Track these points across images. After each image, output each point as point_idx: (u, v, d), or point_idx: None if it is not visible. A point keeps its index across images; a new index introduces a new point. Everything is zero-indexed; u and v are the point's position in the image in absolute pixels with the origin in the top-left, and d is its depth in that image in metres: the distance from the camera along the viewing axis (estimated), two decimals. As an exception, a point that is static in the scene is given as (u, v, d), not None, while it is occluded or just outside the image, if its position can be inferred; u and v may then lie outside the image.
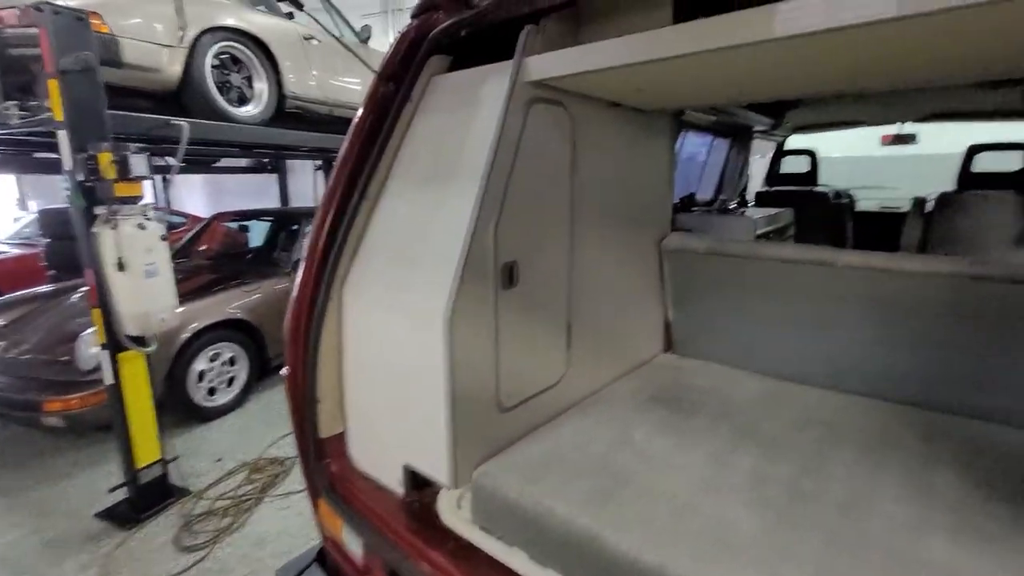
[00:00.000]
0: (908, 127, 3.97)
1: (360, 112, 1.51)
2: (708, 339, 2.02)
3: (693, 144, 3.71)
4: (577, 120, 1.51)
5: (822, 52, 1.03)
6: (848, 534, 1.02)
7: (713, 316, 1.97)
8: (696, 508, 1.11)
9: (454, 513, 1.31)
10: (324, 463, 1.55)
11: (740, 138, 3.88)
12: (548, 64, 1.25)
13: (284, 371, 1.53)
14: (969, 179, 3.44)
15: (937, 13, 0.78)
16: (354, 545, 1.43)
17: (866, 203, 4.35)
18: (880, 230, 3.89)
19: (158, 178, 7.78)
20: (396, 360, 1.37)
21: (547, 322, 1.54)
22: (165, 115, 3.29)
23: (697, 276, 1.98)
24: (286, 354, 1.52)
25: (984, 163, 3.42)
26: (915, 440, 1.38)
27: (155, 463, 2.85)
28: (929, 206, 3.42)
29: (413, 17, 1.50)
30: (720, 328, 1.97)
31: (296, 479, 3.14)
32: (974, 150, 3.45)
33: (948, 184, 3.56)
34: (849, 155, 5.12)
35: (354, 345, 1.51)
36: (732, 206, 3.96)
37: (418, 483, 1.40)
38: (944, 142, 4.08)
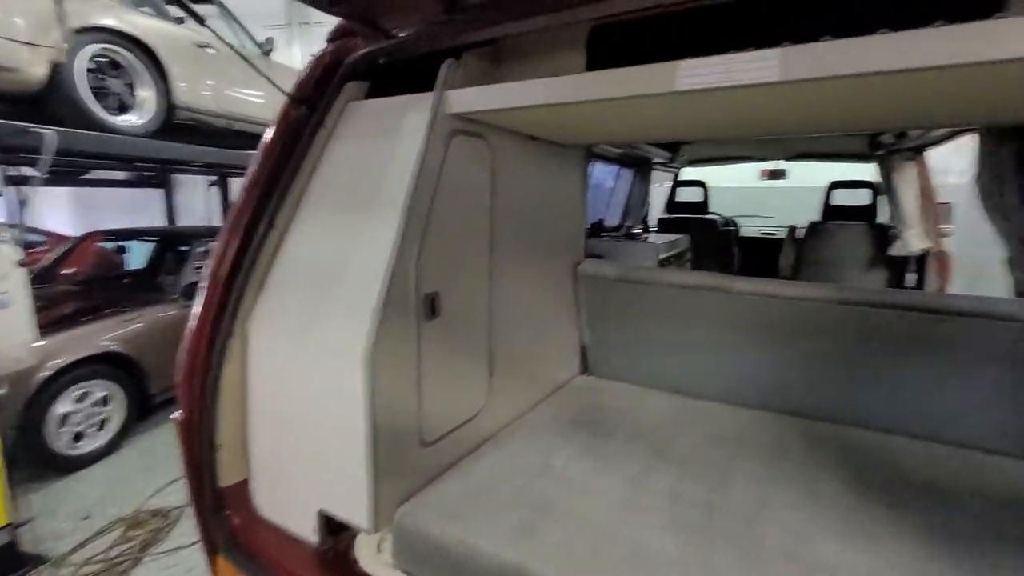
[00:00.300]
0: (780, 164, 4.53)
1: (270, 134, 1.42)
2: (621, 360, 2.11)
3: (600, 173, 3.93)
4: (496, 152, 1.54)
5: (717, 104, 1.14)
6: (754, 545, 1.10)
7: (624, 338, 2.08)
8: (616, 533, 1.14)
9: (374, 558, 1.24)
10: (224, 515, 1.40)
11: (642, 169, 4.18)
12: (470, 98, 1.27)
13: (177, 415, 1.37)
14: (830, 211, 3.98)
15: (809, 80, 0.90)
16: (261, 604, 1.30)
17: (748, 230, 4.86)
18: (761, 253, 4.37)
19: (12, 190, 6.74)
20: (309, 398, 1.28)
21: (469, 352, 1.53)
22: (25, 121, 2.88)
23: (609, 301, 2.08)
24: (179, 395, 1.36)
25: (841, 198, 3.97)
26: (803, 448, 1.53)
27: (1, 529, 2.40)
28: (800, 233, 3.91)
29: (329, 41, 1.45)
30: (631, 350, 2.07)
31: (185, 531, 2.79)
32: (833, 185, 4.00)
33: (813, 213, 4.09)
34: (734, 186, 5.71)
35: (261, 384, 1.39)
36: (637, 231, 4.23)
37: (333, 528, 1.31)
38: (809, 177, 4.71)
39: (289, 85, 1.46)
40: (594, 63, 1.29)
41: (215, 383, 1.35)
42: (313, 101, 1.43)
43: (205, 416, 1.35)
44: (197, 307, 1.37)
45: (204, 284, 1.36)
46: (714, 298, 1.81)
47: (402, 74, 1.44)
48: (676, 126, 1.49)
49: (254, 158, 1.41)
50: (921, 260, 3.32)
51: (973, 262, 3.16)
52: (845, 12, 1.00)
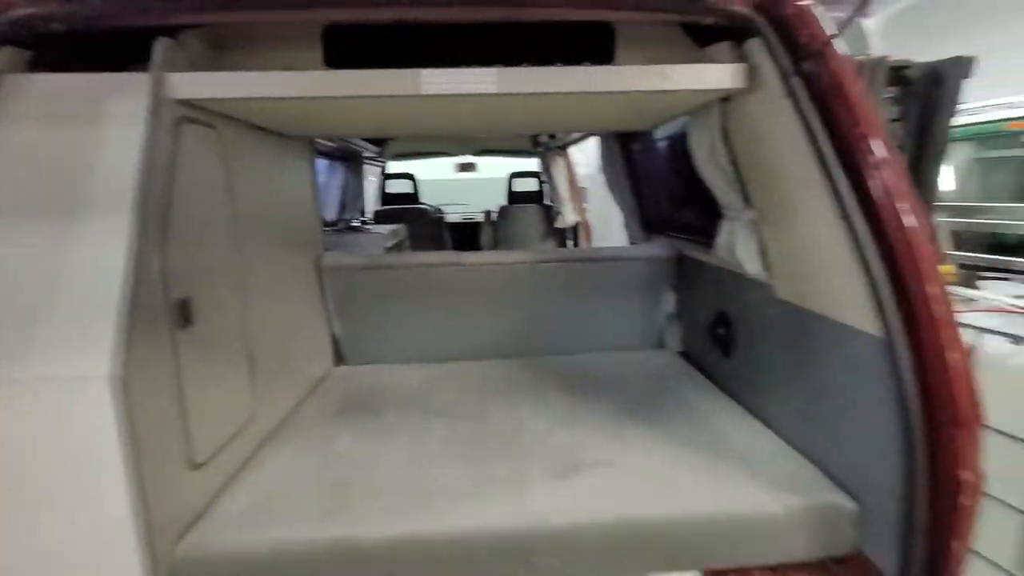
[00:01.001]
0: (470, 158, 5.29)
1: None
2: (374, 345, 2.24)
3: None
4: (228, 143, 1.44)
5: (445, 105, 1.39)
6: (517, 450, 1.44)
7: (375, 323, 2.21)
8: (414, 482, 1.31)
9: None
10: None
11: (354, 163, 4.26)
12: (203, 84, 1.18)
13: None
14: (513, 196, 4.91)
15: (515, 94, 1.22)
16: None
17: (453, 216, 5.52)
18: (465, 235, 5.05)
19: None
20: (16, 458, 1.00)
21: (229, 358, 1.42)
22: None
23: (356, 289, 2.16)
24: None
25: (520, 186, 4.95)
26: (531, 377, 2.00)
27: None
28: (493, 215, 4.72)
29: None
30: (383, 333, 2.22)
31: None
32: (512, 176, 4.93)
33: (501, 198, 4.98)
34: (435, 178, 6.33)
35: None
36: (356, 224, 4.30)
37: None
38: (494, 170, 5.65)
39: None
40: (331, 59, 1.36)
41: None
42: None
43: None
44: None
45: None
46: (451, 272, 2.12)
47: (83, 48, 1.20)
48: (408, 122, 1.69)
49: None
50: (575, 229, 4.49)
51: (602, 227, 4.47)
52: (533, 49, 1.37)
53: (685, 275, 2.20)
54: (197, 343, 1.24)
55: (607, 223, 4.39)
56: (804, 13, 1.13)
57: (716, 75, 1.24)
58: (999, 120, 3.36)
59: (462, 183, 6.29)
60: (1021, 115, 3.24)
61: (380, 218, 4.62)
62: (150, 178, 1.10)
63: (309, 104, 1.29)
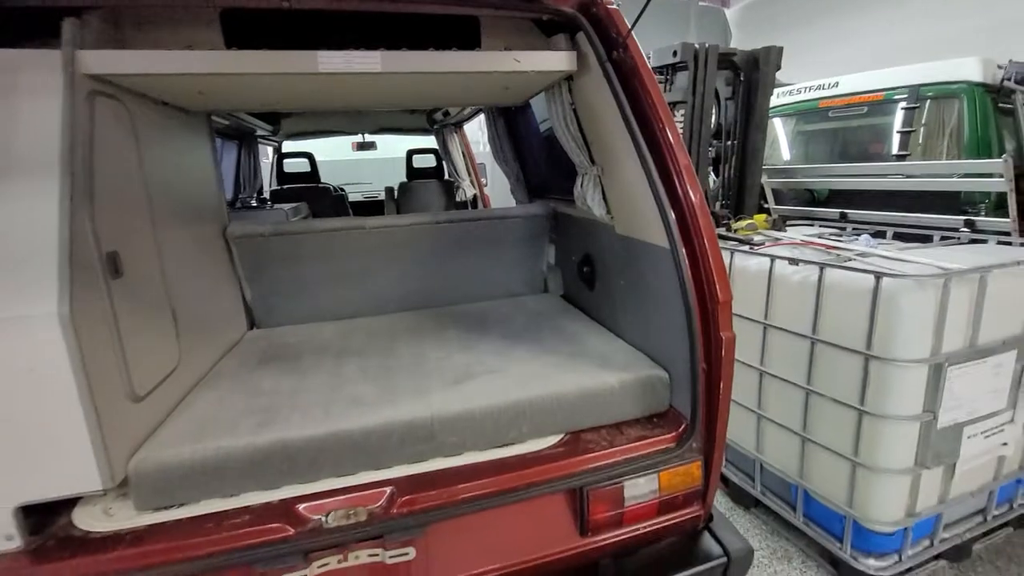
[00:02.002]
0: (368, 137, 5.38)
1: None
2: (286, 308, 2.42)
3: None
4: (135, 117, 1.57)
5: (334, 83, 1.62)
6: (422, 373, 1.75)
7: (285, 288, 2.39)
8: (335, 398, 1.57)
9: (106, 520, 1.27)
10: None
11: (246, 141, 4.22)
12: (109, 61, 1.32)
13: None
14: (413, 172, 5.10)
15: (397, 73, 1.50)
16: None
17: (354, 195, 5.60)
18: (368, 212, 5.19)
19: None
20: None
21: (155, 311, 1.57)
22: None
23: (264, 256, 2.32)
24: None
25: (420, 162, 5.14)
26: (432, 322, 2.30)
27: None
28: (395, 192, 4.90)
29: None
30: (294, 295, 2.41)
31: None
32: (411, 152, 5.12)
33: (401, 176, 5.15)
34: (333, 159, 6.31)
35: None
36: (253, 204, 4.29)
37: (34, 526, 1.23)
38: (392, 148, 5.78)
39: None
40: (231, 40, 1.54)
41: None
42: None
43: None
44: None
45: None
46: (354, 236, 2.36)
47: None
48: (305, 99, 1.89)
49: None
50: (474, 201, 4.81)
51: (503, 200, 4.83)
52: (412, 36, 1.63)
53: (560, 229, 2.61)
54: (127, 293, 1.40)
55: (505, 195, 4.82)
56: (612, 13, 1.53)
57: (555, 60, 1.61)
58: (814, 99, 4.15)
59: (362, 162, 6.35)
60: (828, 95, 4.03)
61: (278, 197, 4.62)
62: (74, 145, 1.24)
63: (212, 80, 1.47)
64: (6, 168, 1.20)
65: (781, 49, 3.39)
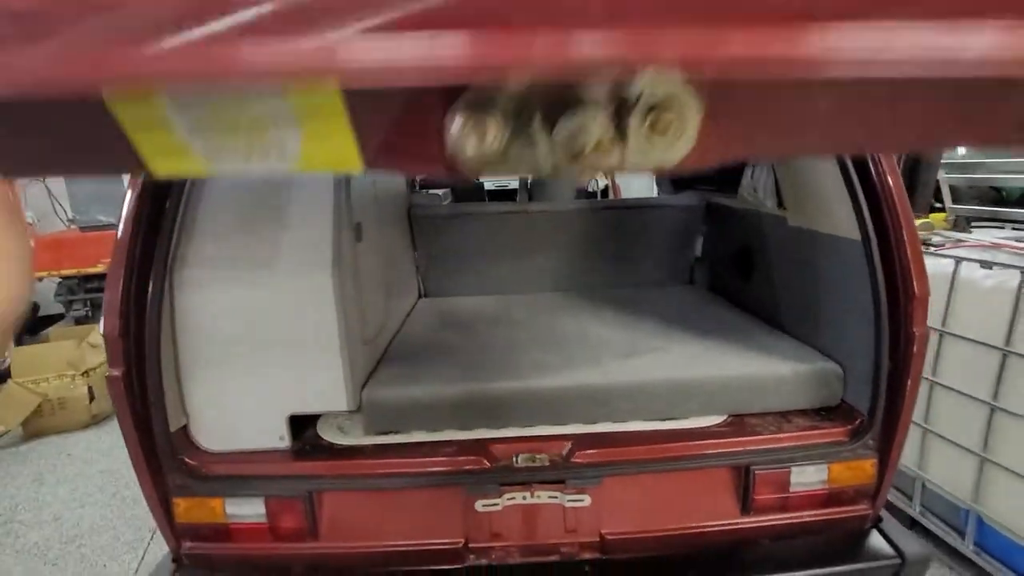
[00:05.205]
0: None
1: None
2: (450, 280, 2.71)
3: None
4: None
5: None
6: (586, 343, 1.89)
7: (452, 261, 2.67)
8: (520, 361, 1.76)
9: (343, 436, 1.58)
10: (179, 458, 1.48)
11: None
12: None
13: (113, 372, 1.36)
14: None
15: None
16: (250, 508, 1.48)
17: (488, 185, 5.94)
18: (501, 199, 5.48)
19: None
20: (269, 326, 1.48)
21: (375, 270, 1.89)
22: None
23: (438, 233, 2.62)
24: (112, 352, 1.36)
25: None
26: (587, 304, 2.45)
27: None
28: (528, 180, 5.13)
29: None
30: (458, 269, 2.69)
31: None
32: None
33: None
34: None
35: (201, 328, 1.48)
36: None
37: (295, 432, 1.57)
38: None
39: None
40: None
41: (154, 335, 1.40)
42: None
43: (148, 367, 1.39)
44: (111, 267, 1.37)
45: (121, 239, 1.36)
46: (517, 219, 2.57)
47: None
48: None
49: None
50: (605, 191, 4.91)
51: (632, 192, 4.87)
52: None
53: (713, 220, 2.61)
54: (363, 256, 1.71)
55: (629, 187, 4.87)
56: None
57: None
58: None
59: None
60: None
61: (425, 184, 5.05)
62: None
63: None
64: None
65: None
